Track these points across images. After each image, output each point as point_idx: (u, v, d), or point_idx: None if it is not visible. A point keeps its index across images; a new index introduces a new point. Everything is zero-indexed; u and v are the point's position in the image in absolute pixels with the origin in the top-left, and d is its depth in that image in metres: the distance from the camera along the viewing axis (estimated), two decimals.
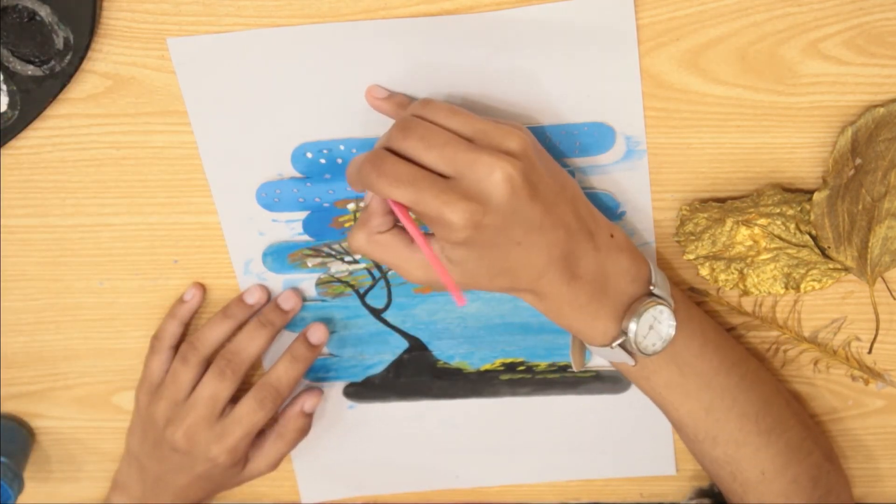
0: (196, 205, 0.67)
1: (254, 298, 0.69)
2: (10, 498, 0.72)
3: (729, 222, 0.64)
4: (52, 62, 0.60)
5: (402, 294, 0.70)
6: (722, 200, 0.65)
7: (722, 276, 0.66)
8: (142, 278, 0.70)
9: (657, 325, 0.60)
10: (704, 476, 0.77)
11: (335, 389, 0.74)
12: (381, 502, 0.80)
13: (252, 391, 0.69)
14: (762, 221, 0.64)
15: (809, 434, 0.68)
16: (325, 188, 0.65)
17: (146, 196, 0.66)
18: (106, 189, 0.66)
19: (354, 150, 0.64)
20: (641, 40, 0.59)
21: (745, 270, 0.65)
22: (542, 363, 0.72)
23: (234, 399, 0.69)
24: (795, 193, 0.64)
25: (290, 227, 0.67)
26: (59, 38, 0.59)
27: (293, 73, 0.61)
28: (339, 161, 0.64)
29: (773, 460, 0.65)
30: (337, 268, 0.69)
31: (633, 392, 0.73)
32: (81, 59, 0.60)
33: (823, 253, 0.64)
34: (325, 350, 0.72)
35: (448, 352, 0.72)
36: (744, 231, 0.64)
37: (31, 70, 0.60)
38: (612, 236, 0.60)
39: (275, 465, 0.72)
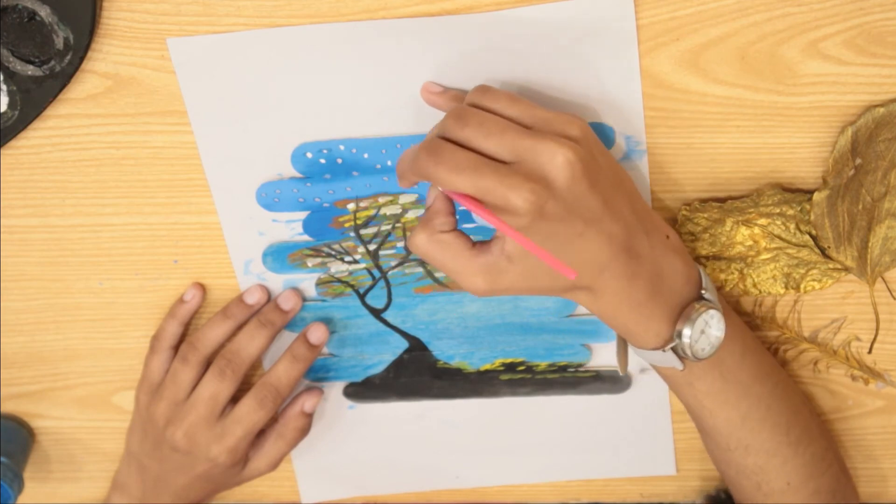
0: (196, 205, 0.67)
1: (254, 298, 0.69)
2: (10, 498, 0.72)
3: (729, 222, 0.64)
4: (52, 62, 0.60)
5: (402, 294, 0.70)
6: (722, 200, 0.65)
7: (722, 276, 0.66)
8: (142, 278, 0.70)
9: (708, 329, 0.58)
10: (704, 478, 0.77)
11: (335, 389, 0.74)
12: (381, 502, 0.80)
13: (252, 391, 0.69)
14: (762, 221, 0.64)
15: (831, 446, 0.68)
16: (325, 188, 0.65)
17: (146, 196, 0.66)
18: (106, 189, 0.66)
19: (354, 150, 0.64)
20: (641, 40, 0.59)
21: (744, 270, 0.65)
22: (542, 363, 0.72)
23: (235, 399, 0.69)
24: (795, 193, 0.64)
25: (290, 227, 0.67)
26: (59, 38, 0.59)
27: (293, 73, 0.61)
28: (339, 161, 0.64)
29: (799, 471, 0.65)
30: (337, 268, 0.69)
31: (633, 392, 0.73)
32: (81, 59, 0.60)
33: (823, 253, 0.64)
34: (325, 350, 0.72)
35: (448, 352, 0.72)
36: (744, 231, 0.64)
37: (31, 70, 0.60)
38: (667, 237, 0.59)
39: (275, 465, 0.72)
